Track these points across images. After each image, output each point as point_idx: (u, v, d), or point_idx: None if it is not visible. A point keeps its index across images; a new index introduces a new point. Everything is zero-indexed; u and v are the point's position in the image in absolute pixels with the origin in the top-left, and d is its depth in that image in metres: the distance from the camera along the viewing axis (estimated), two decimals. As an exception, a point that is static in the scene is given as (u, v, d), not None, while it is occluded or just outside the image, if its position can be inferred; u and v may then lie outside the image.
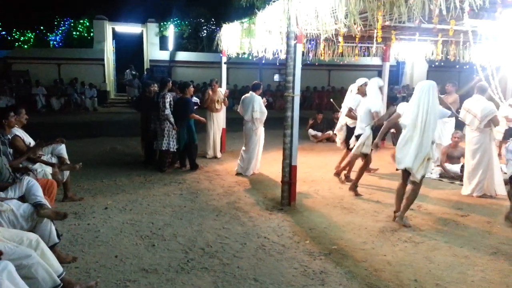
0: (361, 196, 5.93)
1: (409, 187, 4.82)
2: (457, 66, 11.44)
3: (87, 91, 18.24)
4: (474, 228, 4.76)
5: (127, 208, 5.24)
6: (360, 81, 6.75)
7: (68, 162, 5.35)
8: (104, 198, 5.62)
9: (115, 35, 21.38)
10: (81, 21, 23.43)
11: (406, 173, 4.79)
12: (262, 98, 7.24)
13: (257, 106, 7.08)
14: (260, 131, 7.26)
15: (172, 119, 7.03)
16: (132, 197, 5.69)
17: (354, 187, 6.04)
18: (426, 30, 7.18)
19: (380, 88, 6.28)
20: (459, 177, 6.82)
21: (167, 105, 6.98)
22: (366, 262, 3.85)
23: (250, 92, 7.28)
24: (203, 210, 5.25)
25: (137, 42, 22.00)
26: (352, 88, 7.04)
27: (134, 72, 20.08)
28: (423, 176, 4.69)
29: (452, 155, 7.24)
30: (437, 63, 10.75)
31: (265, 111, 7.18)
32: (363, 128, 6.07)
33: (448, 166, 7.19)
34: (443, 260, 3.90)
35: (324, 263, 3.80)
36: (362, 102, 6.40)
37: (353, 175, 6.50)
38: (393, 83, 20.10)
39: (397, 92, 19.58)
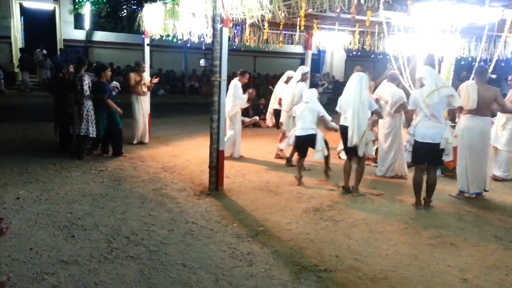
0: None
1: (356, 165, 5.53)
2: (372, 56, 12.15)
3: (-10, 72, 16.45)
4: (387, 206, 5.17)
5: (42, 198, 4.87)
6: (305, 68, 7.07)
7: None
8: (16, 188, 5.16)
9: (23, 11, 19.44)
10: (-19, -6, 20.94)
11: (352, 152, 5.42)
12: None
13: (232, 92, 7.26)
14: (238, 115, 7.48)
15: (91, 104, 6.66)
16: (47, 186, 5.30)
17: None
18: (345, 20, 7.53)
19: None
20: (373, 159, 7.33)
21: (86, 86, 6.55)
22: (291, 241, 4.00)
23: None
24: (127, 197, 5.06)
25: (49, 20, 20.23)
26: (291, 75, 7.17)
27: (44, 52, 18.49)
28: (365, 154, 5.45)
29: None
30: (354, 53, 11.36)
31: (242, 97, 7.32)
32: None
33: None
34: (361, 236, 4.19)
35: (252, 244, 3.88)
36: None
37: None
38: (315, 71, 20.87)
39: (318, 80, 20.44)
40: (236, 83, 7.32)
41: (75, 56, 16.72)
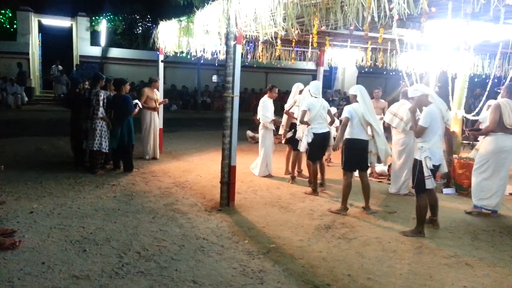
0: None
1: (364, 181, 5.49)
2: (385, 73, 12.16)
3: (9, 87, 16.84)
4: (401, 224, 5.08)
5: (55, 212, 4.91)
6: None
7: (-12, 163, 4.90)
8: (29, 202, 5.22)
9: (41, 28, 19.98)
10: (2, 11, 21.59)
11: (363, 166, 5.46)
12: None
13: (260, 110, 7.31)
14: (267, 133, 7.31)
15: (106, 118, 6.76)
16: (61, 201, 5.35)
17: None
18: (357, 37, 7.56)
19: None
20: (386, 176, 7.26)
21: (101, 103, 6.65)
22: (303, 259, 3.95)
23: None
24: (138, 212, 5.07)
25: (66, 37, 20.75)
26: (302, 87, 7.14)
27: (60, 68, 18.92)
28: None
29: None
30: (366, 69, 11.38)
31: (269, 116, 7.20)
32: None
33: (377, 165, 7.62)
34: (374, 255, 4.12)
35: (263, 261, 3.84)
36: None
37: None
38: (326, 87, 20.92)
39: (330, 96, 20.48)
40: (264, 100, 7.27)
41: (91, 72, 17.09)
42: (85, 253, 3.84)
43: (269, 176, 7.27)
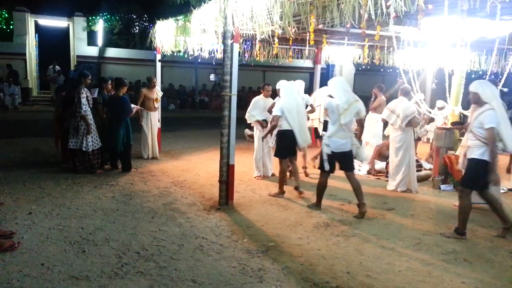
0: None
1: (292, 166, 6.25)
2: (382, 70, 12.14)
3: (6, 88, 16.79)
4: (399, 221, 5.10)
5: (53, 213, 4.91)
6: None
7: (-15, 165, 4.89)
8: (28, 203, 5.22)
9: (38, 28, 19.91)
10: (-2, 12, 21.51)
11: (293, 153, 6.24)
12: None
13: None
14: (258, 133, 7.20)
15: (90, 118, 6.60)
16: (59, 201, 5.35)
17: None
18: (354, 34, 7.58)
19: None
20: (384, 173, 7.28)
21: (84, 101, 6.50)
22: (302, 257, 3.96)
23: None
24: (137, 212, 5.07)
25: (63, 37, 20.69)
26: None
27: (58, 68, 18.87)
28: None
29: (385, 154, 7.66)
30: (363, 67, 11.39)
31: (252, 114, 7.08)
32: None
33: (376, 163, 7.64)
34: (373, 252, 4.13)
35: (262, 260, 3.85)
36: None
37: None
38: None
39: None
40: (256, 98, 7.16)
41: (88, 72, 17.00)
42: (84, 254, 3.84)
43: (262, 177, 7.06)
